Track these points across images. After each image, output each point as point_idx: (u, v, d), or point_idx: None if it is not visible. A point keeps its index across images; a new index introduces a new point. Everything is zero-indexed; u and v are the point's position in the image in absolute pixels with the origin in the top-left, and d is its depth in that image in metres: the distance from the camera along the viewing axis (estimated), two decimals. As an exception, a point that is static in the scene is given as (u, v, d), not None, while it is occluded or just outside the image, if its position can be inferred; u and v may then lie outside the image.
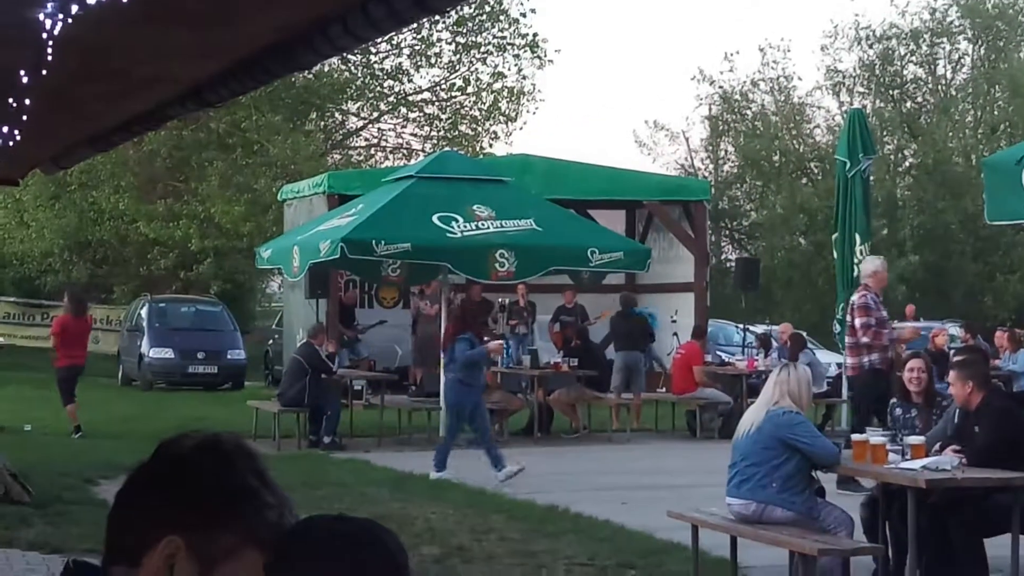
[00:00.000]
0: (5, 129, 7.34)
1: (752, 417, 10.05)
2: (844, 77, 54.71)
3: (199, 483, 2.37)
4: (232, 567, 2.34)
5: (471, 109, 46.04)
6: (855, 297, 16.24)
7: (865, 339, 15.85)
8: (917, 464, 9.69)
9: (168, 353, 32.72)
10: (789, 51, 75.28)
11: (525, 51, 44.90)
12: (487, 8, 44.09)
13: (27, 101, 5.69)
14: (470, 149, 43.00)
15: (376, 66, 45.59)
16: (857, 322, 15.93)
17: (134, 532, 2.38)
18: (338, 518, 2.34)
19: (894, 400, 11.39)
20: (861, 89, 54.66)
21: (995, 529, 9.86)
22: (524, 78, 45.49)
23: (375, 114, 46.84)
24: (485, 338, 18.60)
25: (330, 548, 2.25)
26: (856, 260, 23.38)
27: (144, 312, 34.18)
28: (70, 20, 3.95)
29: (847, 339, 16.66)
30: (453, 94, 46.08)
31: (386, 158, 47.08)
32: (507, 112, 45.71)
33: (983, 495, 9.78)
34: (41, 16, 3.95)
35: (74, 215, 42.05)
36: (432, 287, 27.42)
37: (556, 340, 25.00)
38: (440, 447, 17.61)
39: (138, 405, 27.44)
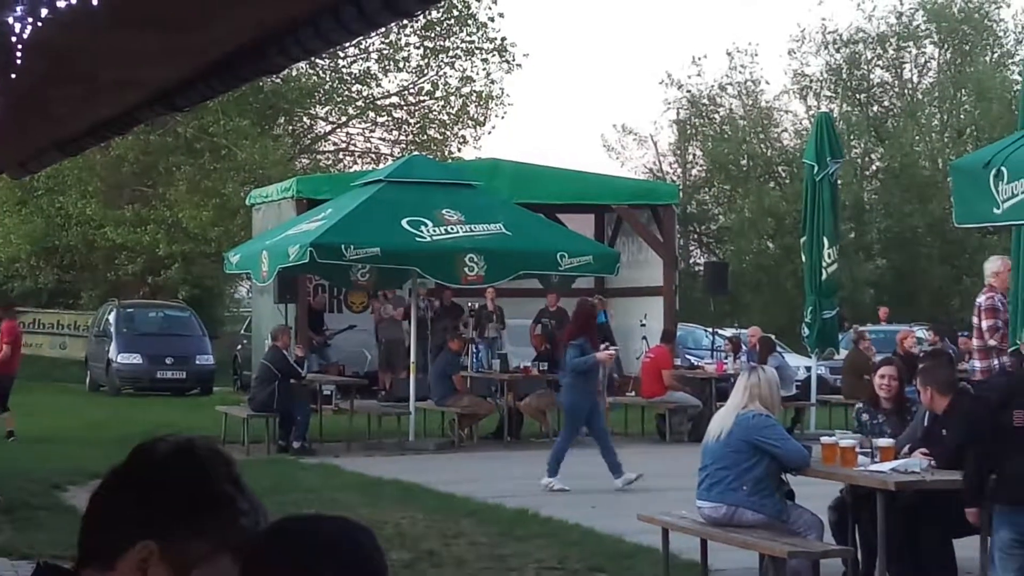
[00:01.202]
0: (-28, 134, 7.30)
1: (722, 421, 10.07)
2: (811, 81, 54.86)
3: (174, 489, 2.37)
4: (206, 572, 2.33)
5: (440, 113, 46.03)
6: (981, 299, 14.96)
7: (993, 342, 14.73)
8: (886, 467, 9.72)
9: (136, 358, 32.61)
10: (757, 55, 75.57)
11: (493, 55, 44.94)
12: (455, 12, 44.08)
13: (-5, 105, 5.67)
14: (439, 153, 42.98)
15: (344, 70, 45.56)
16: (984, 324, 14.76)
17: (108, 536, 2.37)
18: (313, 517, 2.33)
19: (860, 405, 11.41)
20: (828, 93, 54.81)
21: (964, 531, 9.88)
22: (492, 82, 45.54)
23: (343, 118, 46.79)
24: (603, 345, 18.36)
25: (306, 548, 2.24)
26: (824, 264, 23.47)
27: (112, 317, 34.06)
28: (39, 23, 3.93)
29: (975, 342, 15.21)
30: (422, 98, 46.06)
31: (355, 162, 47.05)
32: (476, 116, 45.73)
33: (952, 497, 9.80)
34: (10, 19, 3.93)
35: (41, 220, 41.86)
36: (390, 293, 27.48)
37: (536, 343, 24.98)
38: (555, 451, 17.25)
39: (106, 411, 27.33)
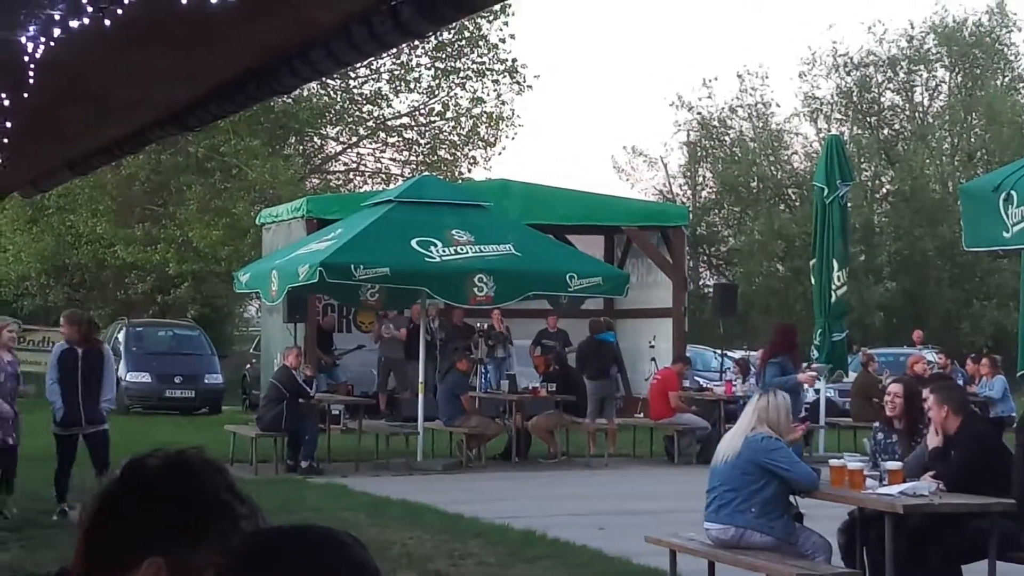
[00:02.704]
0: (-16, 152, 7.32)
1: (730, 443, 10.06)
2: (822, 104, 54.96)
3: (172, 502, 2.38)
4: None
5: (450, 134, 46.11)
6: None
7: None
8: (895, 489, 9.71)
9: (145, 377, 32.62)
10: (767, 78, 75.46)
11: (504, 76, 45.01)
12: (466, 33, 44.16)
13: (8, 124, 5.68)
14: (449, 174, 43.06)
15: (355, 91, 45.64)
16: None
17: (111, 556, 2.38)
18: (299, 524, 2.33)
19: (877, 424, 11.41)
20: (839, 116, 54.91)
21: (973, 555, 9.87)
22: (503, 103, 45.62)
23: (354, 139, 46.88)
24: (804, 365, 18.18)
25: (292, 558, 2.24)
26: (834, 286, 23.45)
27: (121, 336, 34.07)
28: (52, 43, 3.95)
29: None
30: (432, 119, 46.14)
31: (365, 183, 47.09)
32: (486, 137, 45.80)
33: (961, 521, 9.79)
34: (23, 39, 3.95)
35: (51, 239, 41.91)
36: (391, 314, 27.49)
37: (538, 364, 24.98)
38: None
39: (115, 430, 26.95)
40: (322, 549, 2.23)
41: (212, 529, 2.36)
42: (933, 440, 10.30)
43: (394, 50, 36.55)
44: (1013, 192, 9.59)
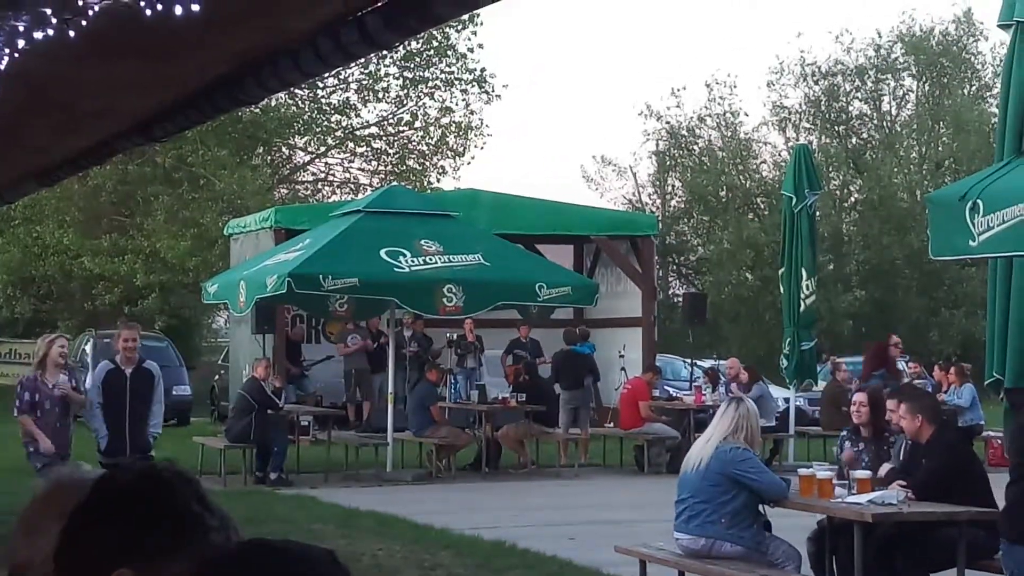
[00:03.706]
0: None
1: (699, 452, 10.05)
2: (790, 113, 55.09)
3: (143, 514, 2.39)
4: None
5: (419, 144, 46.10)
6: None
7: None
8: (863, 498, 9.73)
9: (113, 389, 32.46)
10: (735, 87, 75.41)
11: (473, 86, 44.99)
12: (435, 43, 44.14)
13: (-28, 135, 5.65)
14: (418, 184, 43.01)
15: (323, 100, 45.57)
16: None
17: (82, 568, 2.38)
18: (282, 541, 2.31)
19: (844, 432, 11.45)
20: (807, 125, 55.04)
21: (941, 563, 9.90)
22: (472, 113, 45.61)
23: (322, 148, 46.81)
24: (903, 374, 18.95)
25: (275, 565, 2.22)
26: (802, 295, 23.51)
27: (88, 347, 33.93)
28: (16, 55, 3.93)
29: None
30: (401, 129, 46.11)
31: (333, 192, 47.00)
32: (455, 147, 45.80)
33: (930, 529, 9.81)
34: (-13, 50, 3.93)
35: (18, 250, 41.73)
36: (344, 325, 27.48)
37: (509, 374, 24.98)
38: None
39: (82, 441, 27.13)
40: (296, 566, 2.21)
41: (182, 541, 2.37)
42: (886, 468, 10.34)
43: (362, 60, 36.52)
44: (979, 201, 9.61)
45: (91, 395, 14.01)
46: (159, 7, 3.62)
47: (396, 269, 21.24)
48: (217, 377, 34.21)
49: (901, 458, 10.52)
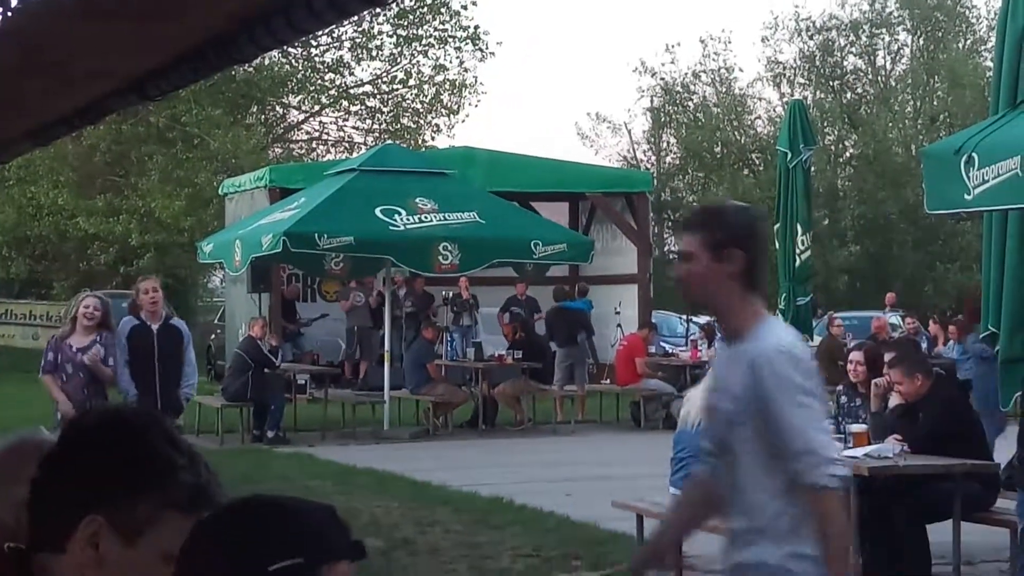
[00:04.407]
0: (-57, 124, 7.25)
1: (696, 408, 10.02)
2: (785, 68, 55.00)
3: (109, 457, 2.38)
4: (156, 533, 2.34)
5: (413, 102, 46.00)
6: None
7: None
8: (860, 452, 9.75)
9: (109, 348, 32.45)
10: (730, 43, 75.69)
11: (466, 43, 44.90)
12: (428, 1, 44.01)
13: (-35, 95, 5.63)
14: (412, 142, 42.95)
15: (317, 59, 45.47)
16: None
17: (52, 518, 2.38)
18: (282, 496, 2.31)
19: (840, 388, 11.46)
20: (802, 80, 54.95)
21: (937, 516, 9.94)
22: (466, 71, 45.53)
23: (316, 107, 46.70)
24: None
25: (275, 515, 2.22)
26: (798, 250, 23.51)
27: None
28: (8, 13, 3.92)
29: None
30: (395, 87, 46.00)
31: (328, 151, 46.96)
32: (449, 105, 45.71)
33: (926, 482, 9.85)
34: (-21, 9, 3.92)
35: (12, 210, 41.65)
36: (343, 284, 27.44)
37: (506, 331, 25.01)
38: None
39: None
40: (295, 521, 2.21)
41: (151, 482, 2.36)
42: (894, 399, 10.35)
43: (355, 18, 36.41)
44: (975, 154, 9.62)
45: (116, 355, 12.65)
46: (152, -35, 3.61)
47: (391, 227, 21.24)
48: (213, 336, 34.20)
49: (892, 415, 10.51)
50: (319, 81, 45.69)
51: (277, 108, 47.46)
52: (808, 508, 4.57)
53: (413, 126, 45.68)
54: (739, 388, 4.66)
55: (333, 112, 47.06)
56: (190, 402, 13.69)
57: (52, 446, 2.47)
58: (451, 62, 45.08)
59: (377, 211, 21.34)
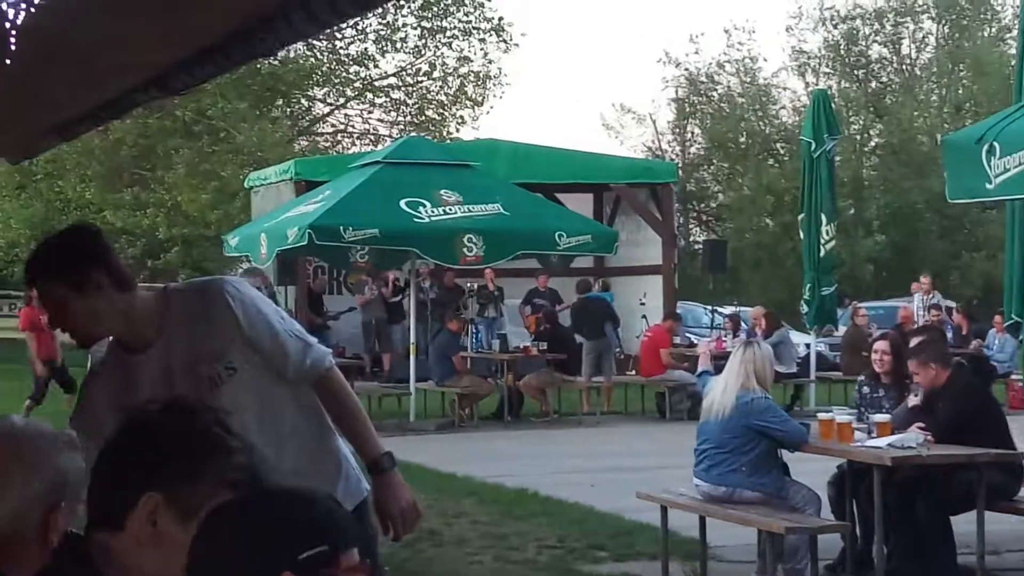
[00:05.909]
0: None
1: (720, 399, 10.04)
2: (809, 58, 54.87)
3: (169, 440, 2.52)
4: None
5: (437, 94, 45.98)
6: None
7: None
8: (883, 442, 9.75)
9: (136, 342, 32.57)
10: (754, 32, 75.32)
11: (491, 35, 44.88)
12: (452, -8, 44.03)
13: (-9, 91, 5.69)
14: (437, 134, 42.96)
15: (342, 52, 45.48)
16: None
17: (113, 497, 2.52)
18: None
19: (862, 378, 11.44)
20: (826, 70, 54.81)
21: (961, 506, 9.92)
22: (490, 62, 45.50)
23: (341, 100, 46.74)
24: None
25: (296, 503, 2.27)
26: (822, 240, 23.50)
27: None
28: (33, 9, 3.97)
29: None
30: (419, 79, 46.00)
31: (353, 144, 46.98)
32: (473, 97, 45.68)
33: (949, 472, 9.84)
34: (3, 5, 3.97)
35: (40, 205, 41.84)
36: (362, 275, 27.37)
37: (529, 323, 25.04)
38: None
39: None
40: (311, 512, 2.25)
41: (207, 462, 2.51)
42: (913, 400, 10.34)
43: (379, 10, 36.45)
44: (996, 143, 9.60)
45: None
46: (174, -40, 3.65)
47: (416, 219, 21.28)
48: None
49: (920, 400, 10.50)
50: (344, 74, 45.71)
51: (302, 101, 47.50)
52: None
53: (438, 118, 45.67)
54: None
55: (358, 104, 47.10)
56: None
57: (116, 432, 2.61)
58: (475, 54, 45.12)
59: (402, 203, 21.38)
